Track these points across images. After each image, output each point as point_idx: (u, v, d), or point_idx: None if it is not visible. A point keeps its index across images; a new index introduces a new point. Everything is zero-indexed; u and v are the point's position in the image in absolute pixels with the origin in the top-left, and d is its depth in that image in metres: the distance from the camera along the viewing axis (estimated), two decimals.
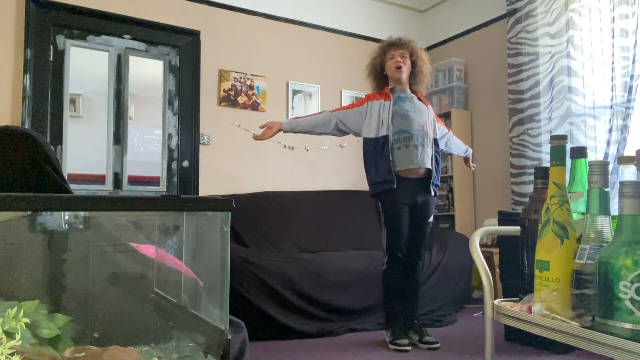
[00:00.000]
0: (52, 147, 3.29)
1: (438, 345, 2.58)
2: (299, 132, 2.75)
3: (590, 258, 0.90)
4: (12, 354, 0.69)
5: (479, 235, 1.26)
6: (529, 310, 1.00)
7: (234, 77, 3.95)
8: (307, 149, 4.22)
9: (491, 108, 4.21)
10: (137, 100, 3.69)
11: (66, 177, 1.52)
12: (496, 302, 1.14)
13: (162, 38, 3.73)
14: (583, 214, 1.05)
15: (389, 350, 2.56)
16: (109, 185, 3.51)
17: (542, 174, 1.14)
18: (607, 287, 0.82)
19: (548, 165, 1.06)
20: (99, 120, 3.53)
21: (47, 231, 0.93)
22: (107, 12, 3.51)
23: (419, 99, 2.76)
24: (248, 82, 4.00)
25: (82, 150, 3.45)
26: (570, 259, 0.96)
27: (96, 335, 0.91)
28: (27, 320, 0.72)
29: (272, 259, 2.96)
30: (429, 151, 2.66)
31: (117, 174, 3.53)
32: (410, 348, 2.54)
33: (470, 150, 3.06)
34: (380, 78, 2.81)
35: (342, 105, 4.33)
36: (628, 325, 0.79)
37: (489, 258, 3.50)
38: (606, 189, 0.93)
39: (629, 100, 3.00)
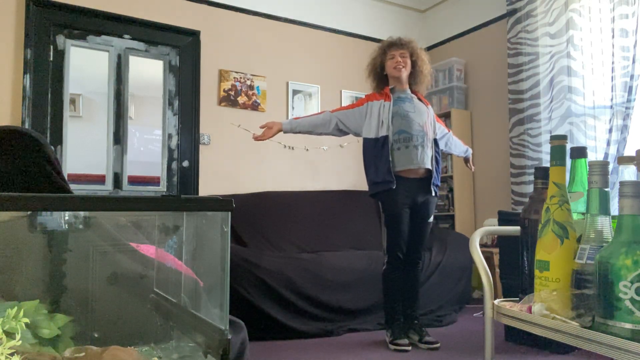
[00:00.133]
0: (52, 147, 3.29)
1: (438, 345, 2.58)
2: (299, 132, 2.75)
3: (590, 258, 0.90)
4: (12, 354, 0.69)
5: (479, 235, 1.26)
6: (529, 310, 1.00)
7: (234, 77, 3.95)
8: (307, 149, 4.22)
9: (491, 108, 4.21)
10: (137, 100, 3.69)
11: (66, 177, 1.52)
12: (496, 302, 1.14)
13: (162, 38, 3.73)
14: (583, 214, 1.05)
15: (389, 350, 2.56)
16: (109, 185, 3.51)
17: (542, 174, 1.14)
18: (607, 287, 0.82)
19: (548, 165, 1.06)
20: (99, 120, 3.53)
21: (47, 231, 0.93)
22: (107, 12, 3.51)
23: (419, 99, 2.76)
24: (248, 82, 4.00)
25: (82, 150, 3.45)
26: (570, 259, 0.96)
27: (96, 335, 0.91)
28: (27, 320, 0.72)
29: (272, 259, 2.96)
30: (429, 152, 2.66)
31: (117, 174, 3.54)
32: (410, 348, 2.54)
33: (470, 151, 3.06)
34: (381, 78, 2.81)
35: (342, 105, 4.33)
36: (628, 325, 0.79)
37: (489, 258, 3.50)
38: (606, 189, 0.93)
39: (629, 100, 3.00)
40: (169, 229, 1.01)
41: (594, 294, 0.87)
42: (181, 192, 3.69)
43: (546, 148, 3.57)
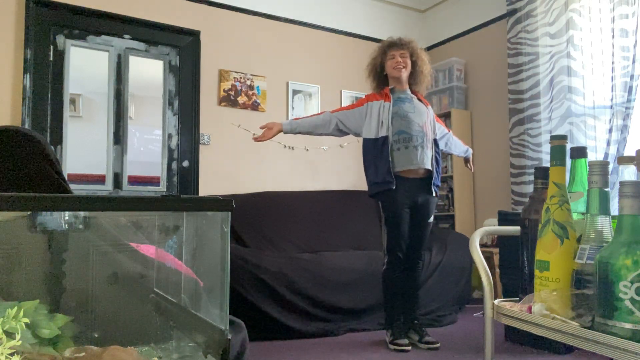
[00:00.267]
0: (52, 147, 3.30)
1: (438, 345, 2.58)
2: (299, 133, 2.75)
3: (590, 258, 0.90)
4: (12, 354, 0.69)
5: (479, 235, 1.26)
6: (529, 310, 1.00)
7: (234, 77, 3.95)
8: (307, 149, 4.22)
9: (491, 108, 4.21)
10: (137, 100, 3.69)
11: (66, 177, 1.52)
12: (496, 302, 1.14)
13: (162, 38, 3.73)
14: (583, 214, 1.05)
15: (389, 350, 2.56)
16: (109, 185, 3.51)
17: (542, 174, 1.14)
18: (607, 287, 0.82)
19: (548, 165, 1.06)
20: (99, 120, 3.53)
21: (47, 231, 0.93)
22: (107, 12, 3.51)
23: (419, 100, 2.76)
24: (248, 82, 4.01)
25: (82, 150, 3.45)
26: (570, 259, 0.96)
27: (96, 335, 0.91)
28: (27, 320, 0.72)
29: (272, 259, 2.96)
30: (429, 152, 2.66)
31: (117, 174, 3.54)
32: (410, 348, 2.54)
33: (470, 151, 3.06)
34: (380, 78, 2.81)
35: (342, 105, 4.33)
36: (628, 325, 0.79)
37: (489, 258, 3.50)
38: (606, 189, 0.93)
39: (629, 100, 3.00)
40: (169, 229, 1.01)
41: (594, 294, 0.87)
42: (181, 192, 3.69)
43: (546, 148, 3.57)
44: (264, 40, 4.12)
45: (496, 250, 3.36)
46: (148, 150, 3.70)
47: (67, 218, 0.94)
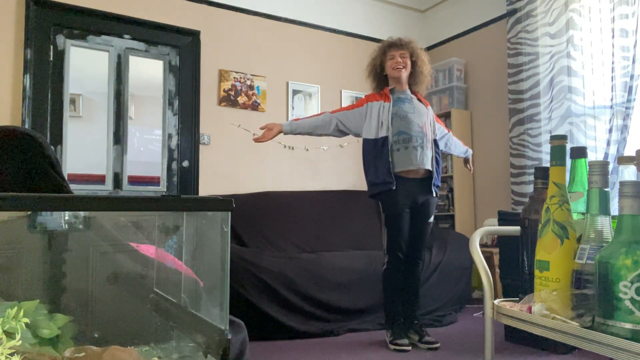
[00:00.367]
0: (52, 147, 3.30)
1: (438, 345, 2.57)
2: (299, 133, 2.75)
3: (590, 258, 0.90)
4: (12, 354, 0.69)
5: (479, 235, 1.26)
6: (529, 310, 1.00)
7: (234, 77, 3.95)
8: (307, 149, 4.22)
9: (491, 108, 4.21)
10: (137, 100, 3.69)
11: (66, 177, 1.52)
12: (496, 302, 1.14)
13: (162, 38, 3.73)
14: (583, 214, 1.05)
15: (389, 350, 2.56)
16: (109, 185, 3.51)
17: (542, 174, 1.14)
18: (607, 287, 0.82)
19: (548, 165, 1.06)
20: (99, 120, 3.53)
21: (47, 231, 0.93)
22: (107, 12, 3.51)
23: (419, 100, 2.76)
24: (248, 82, 4.01)
25: (82, 150, 3.45)
26: (570, 259, 0.96)
27: (96, 335, 0.91)
28: (27, 320, 0.72)
29: (272, 259, 2.96)
30: (429, 152, 2.66)
31: (117, 174, 3.54)
32: (410, 348, 2.54)
33: (470, 151, 3.06)
34: (380, 78, 2.81)
35: (342, 105, 4.34)
36: (628, 325, 0.79)
37: (489, 258, 3.50)
38: (606, 189, 0.93)
39: (629, 100, 3.00)
40: (169, 229, 1.01)
41: (594, 294, 0.87)
42: (181, 192, 3.69)
43: (546, 148, 3.57)
44: (264, 40, 4.12)
45: (496, 250, 3.36)
46: (148, 150, 3.70)
47: (67, 218, 0.94)
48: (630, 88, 2.99)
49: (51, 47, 3.35)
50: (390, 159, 2.59)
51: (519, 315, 1.03)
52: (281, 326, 2.80)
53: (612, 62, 3.12)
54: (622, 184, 0.86)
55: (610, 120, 3.12)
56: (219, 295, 0.85)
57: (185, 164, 3.75)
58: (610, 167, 2.99)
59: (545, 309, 0.96)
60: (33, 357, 0.73)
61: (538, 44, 3.65)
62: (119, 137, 3.56)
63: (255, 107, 4.03)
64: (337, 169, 4.37)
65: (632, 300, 0.79)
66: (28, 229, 0.90)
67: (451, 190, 4.26)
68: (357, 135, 2.81)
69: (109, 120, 3.54)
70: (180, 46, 3.80)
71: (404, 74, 2.72)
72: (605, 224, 0.92)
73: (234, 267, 2.73)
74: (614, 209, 0.97)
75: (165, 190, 3.70)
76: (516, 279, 1.18)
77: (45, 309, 0.80)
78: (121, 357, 0.77)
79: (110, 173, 3.52)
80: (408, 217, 2.63)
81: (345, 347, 2.62)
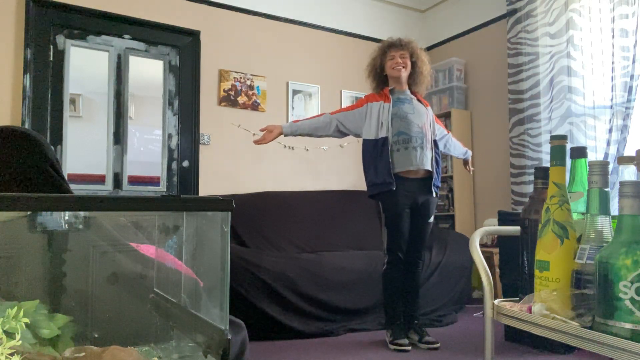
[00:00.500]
0: (52, 147, 3.30)
1: (438, 345, 2.58)
2: (300, 135, 2.76)
3: (590, 258, 0.90)
4: (12, 354, 0.69)
5: (479, 235, 1.26)
6: (529, 310, 1.00)
7: (234, 77, 3.95)
8: (307, 149, 4.22)
9: (491, 108, 4.21)
10: (137, 100, 3.69)
11: (66, 177, 1.52)
12: (496, 302, 1.14)
13: (162, 38, 3.73)
14: (583, 214, 1.05)
15: (389, 350, 2.56)
16: (109, 185, 3.51)
17: (542, 174, 1.14)
18: (607, 287, 0.82)
19: (548, 165, 1.06)
20: (99, 120, 3.53)
21: (47, 231, 0.93)
22: (107, 12, 3.51)
23: (419, 100, 2.76)
24: (248, 82, 4.01)
25: (82, 150, 3.45)
26: (570, 259, 0.96)
27: (96, 335, 0.91)
28: (27, 320, 0.72)
29: (272, 259, 2.96)
30: (428, 153, 2.66)
31: (117, 174, 3.54)
32: (410, 348, 2.54)
33: (469, 153, 3.06)
34: (380, 78, 2.81)
35: (342, 105, 4.34)
36: (628, 325, 0.79)
37: (489, 258, 3.50)
38: (606, 189, 0.93)
39: (629, 100, 3.00)
40: (169, 229, 1.01)
41: (594, 294, 0.87)
42: (181, 192, 3.69)
43: (546, 148, 3.57)
44: (264, 40, 4.12)
45: (496, 250, 3.36)
46: (148, 150, 3.70)
47: (67, 218, 0.94)
48: (630, 88, 2.99)
49: (51, 47, 3.35)
50: (390, 160, 2.59)
51: (519, 315, 1.03)
52: (281, 326, 2.80)
53: (612, 62, 3.12)
54: (622, 184, 0.86)
55: (610, 120, 3.12)
56: (219, 295, 0.85)
57: (185, 164, 3.75)
58: (610, 167, 2.99)
59: (545, 309, 0.96)
60: (33, 357, 0.73)
61: (538, 44, 3.65)
62: (119, 137, 3.56)
63: (255, 107, 4.03)
64: (337, 169, 4.37)
65: (632, 300, 0.79)
66: (28, 229, 0.90)
67: (451, 190, 4.26)
68: (357, 135, 2.81)
69: (109, 120, 3.54)
70: (180, 46, 3.80)
71: (404, 74, 2.72)
72: (605, 224, 0.92)
73: (234, 267, 2.73)
74: (614, 209, 0.97)
75: (165, 190, 3.70)
76: (516, 279, 1.18)
77: (45, 309, 0.80)
78: (121, 357, 0.77)
79: (110, 173, 3.52)
80: (408, 217, 2.63)
81: (345, 347, 2.62)
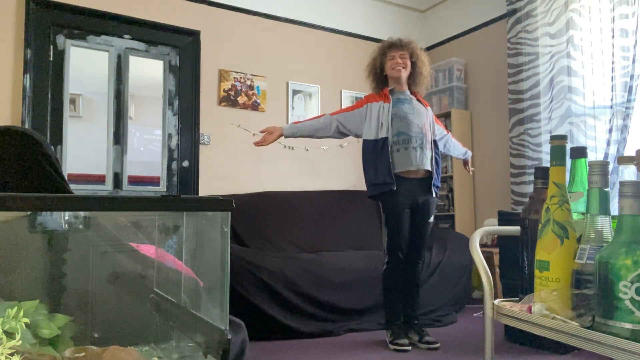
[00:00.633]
0: (52, 147, 3.30)
1: (438, 345, 2.58)
2: (300, 136, 2.76)
3: (590, 258, 0.90)
4: (12, 354, 0.69)
5: (479, 235, 1.26)
6: (529, 310, 1.00)
7: (234, 77, 3.95)
8: (307, 149, 4.22)
9: (491, 108, 4.21)
10: (137, 100, 3.69)
11: (66, 177, 1.52)
12: (496, 302, 1.14)
13: (162, 38, 3.73)
14: (583, 214, 1.05)
15: (389, 350, 2.56)
16: (109, 185, 3.51)
17: (542, 174, 1.14)
18: (607, 287, 0.82)
19: (548, 165, 1.06)
20: (99, 120, 3.53)
21: (47, 231, 0.93)
22: (107, 12, 3.51)
23: (418, 101, 2.76)
24: (248, 82, 4.00)
25: (82, 150, 3.45)
26: (570, 259, 0.96)
27: (96, 335, 0.91)
28: (27, 320, 0.72)
29: (272, 259, 2.96)
30: (428, 153, 2.66)
31: (117, 174, 3.54)
32: (410, 348, 2.54)
33: (469, 153, 3.06)
34: (380, 79, 2.81)
35: (342, 105, 4.34)
36: (628, 325, 0.79)
37: (489, 258, 3.50)
38: (606, 189, 0.93)
39: (629, 100, 3.00)
40: (169, 229, 1.01)
41: (594, 294, 0.87)
42: (181, 192, 3.69)
43: (546, 148, 3.57)
44: (264, 40, 4.12)
45: (496, 250, 3.36)
46: (148, 150, 3.70)
47: (67, 218, 0.94)
48: (630, 88, 2.99)
49: (51, 47, 3.35)
50: (390, 160, 2.59)
51: (519, 315, 1.03)
52: (281, 326, 2.80)
53: (612, 62, 3.12)
54: (622, 184, 0.86)
55: (610, 120, 3.12)
56: (219, 295, 0.85)
57: (185, 164, 3.75)
58: (610, 167, 2.99)
59: (545, 309, 0.96)
60: (33, 357, 0.73)
61: (538, 44, 3.65)
62: (119, 137, 3.56)
63: (255, 107, 4.03)
64: (337, 169, 4.37)
65: (632, 300, 0.79)
66: (28, 229, 0.90)
67: (451, 190, 4.26)
68: (357, 136, 2.81)
69: (109, 120, 3.54)
70: (180, 46, 3.80)
71: (404, 75, 2.72)
72: (605, 224, 0.92)
73: (234, 267, 2.73)
74: (614, 209, 0.97)
75: (165, 190, 3.70)
76: (516, 279, 1.18)
77: (45, 309, 0.80)
78: (121, 357, 0.77)
79: (110, 173, 3.52)
80: (408, 217, 2.63)
81: (345, 347, 2.62)
